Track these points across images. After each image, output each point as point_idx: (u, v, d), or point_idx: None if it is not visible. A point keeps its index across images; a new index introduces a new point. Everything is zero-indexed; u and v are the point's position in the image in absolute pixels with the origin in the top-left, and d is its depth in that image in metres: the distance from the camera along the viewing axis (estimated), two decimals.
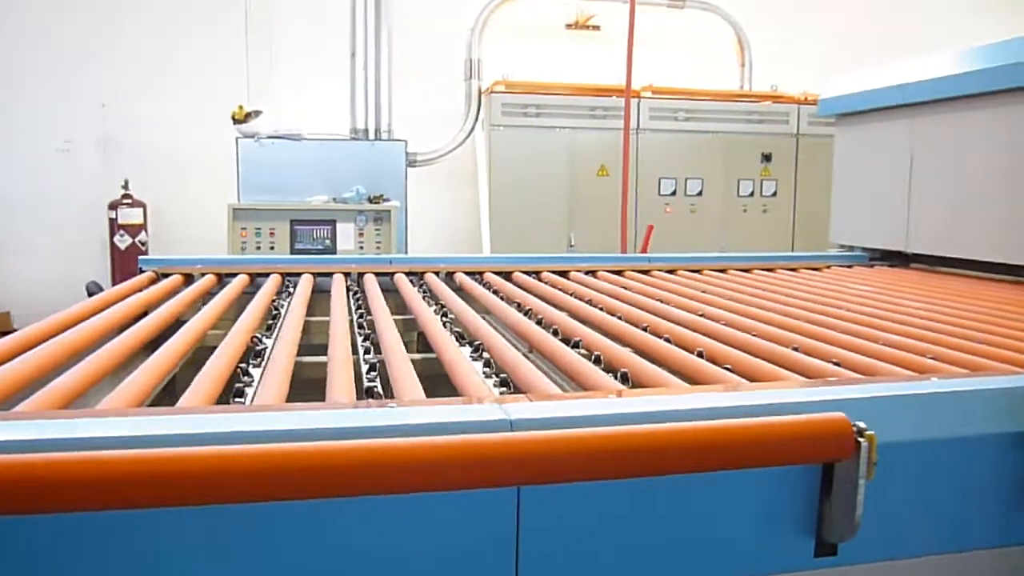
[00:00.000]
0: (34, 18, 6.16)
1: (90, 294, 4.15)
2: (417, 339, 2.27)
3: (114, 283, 6.01)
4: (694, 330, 1.86)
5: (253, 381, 1.35)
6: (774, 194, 6.49)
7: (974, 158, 3.25)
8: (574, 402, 1.07)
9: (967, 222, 3.35)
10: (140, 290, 2.43)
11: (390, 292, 2.50)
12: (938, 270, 3.63)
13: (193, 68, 6.24)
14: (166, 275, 2.60)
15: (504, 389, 1.34)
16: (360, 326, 1.84)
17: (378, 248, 4.90)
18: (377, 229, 4.91)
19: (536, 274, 2.93)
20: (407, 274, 2.82)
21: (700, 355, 1.62)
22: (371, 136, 5.41)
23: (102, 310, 1.89)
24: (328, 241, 4.84)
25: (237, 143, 5.05)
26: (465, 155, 6.12)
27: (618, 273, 3.04)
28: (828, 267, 3.58)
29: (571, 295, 2.42)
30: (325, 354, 1.53)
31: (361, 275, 2.76)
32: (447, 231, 6.58)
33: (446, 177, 6.38)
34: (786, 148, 6.49)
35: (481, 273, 2.89)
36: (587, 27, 7.36)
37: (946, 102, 3.30)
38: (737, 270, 3.31)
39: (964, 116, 3.25)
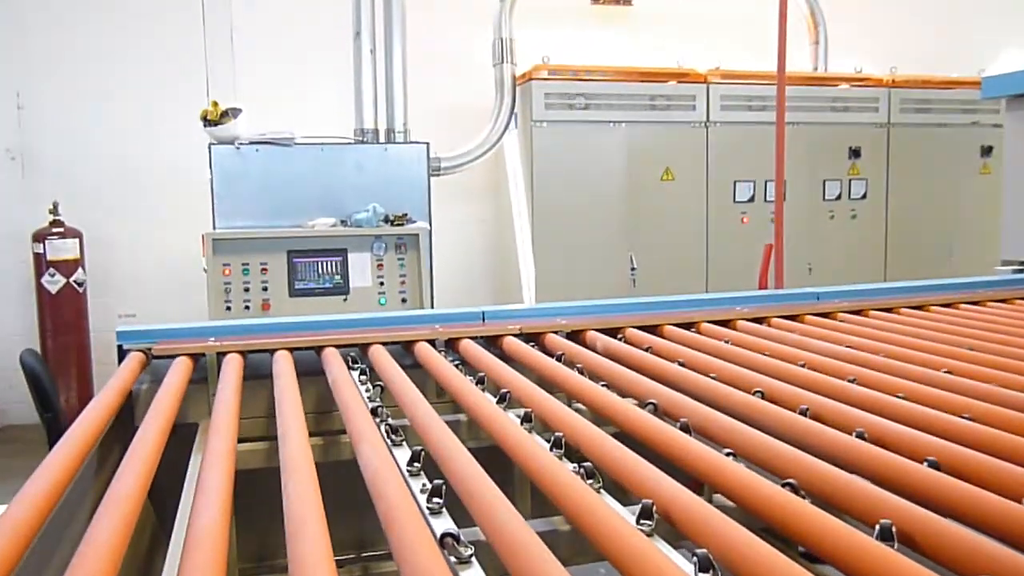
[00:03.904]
0: None
1: (29, 374, 3.39)
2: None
3: (44, 342, 5.27)
4: None
5: None
6: (864, 196, 6.13)
7: None
8: None
9: None
10: (129, 393, 1.77)
11: (511, 364, 1.90)
12: None
13: (142, 57, 5.56)
14: (159, 357, 1.99)
15: None
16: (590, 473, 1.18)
17: (402, 284, 4.29)
18: (400, 259, 4.31)
19: (690, 325, 2.41)
20: (517, 336, 2.23)
21: None
22: (383, 138, 4.83)
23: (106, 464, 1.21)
24: (339, 277, 4.22)
25: (211, 151, 4.41)
26: (484, 160, 5.53)
27: (792, 318, 2.55)
28: None
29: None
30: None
31: (452, 341, 2.18)
32: (468, 256, 5.98)
33: (462, 189, 5.79)
34: (876, 141, 6.10)
35: (620, 329, 2.32)
36: (617, 2, 6.90)
37: None
38: (938, 305, 2.81)
39: None
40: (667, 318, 2.40)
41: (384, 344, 2.08)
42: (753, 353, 1.97)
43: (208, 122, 4.40)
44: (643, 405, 1.57)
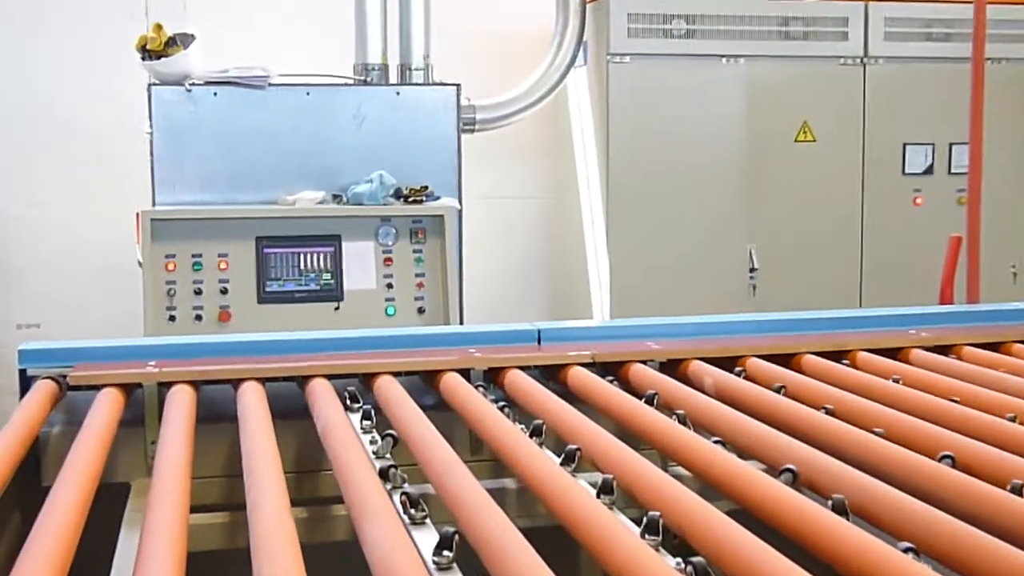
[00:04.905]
0: None
1: None
2: None
3: None
4: None
5: None
6: None
7: None
8: None
9: None
10: (36, 439, 1.86)
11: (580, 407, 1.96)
12: None
13: None
14: (76, 388, 2.08)
15: None
16: None
17: (420, 287, 4.35)
18: (417, 251, 4.37)
19: (841, 355, 2.48)
20: (588, 366, 2.32)
21: None
22: (394, 78, 4.89)
23: None
24: (329, 276, 4.28)
25: (150, 94, 4.50)
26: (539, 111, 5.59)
27: (994, 348, 2.61)
28: None
29: None
30: None
31: (494, 372, 2.29)
32: (514, 248, 6.12)
33: (506, 151, 5.83)
34: None
35: (737, 359, 2.41)
36: None
37: None
38: None
39: None
40: (806, 343, 2.49)
41: (396, 375, 2.17)
42: (936, 398, 2.01)
43: (148, 54, 4.45)
44: (776, 472, 1.60)
